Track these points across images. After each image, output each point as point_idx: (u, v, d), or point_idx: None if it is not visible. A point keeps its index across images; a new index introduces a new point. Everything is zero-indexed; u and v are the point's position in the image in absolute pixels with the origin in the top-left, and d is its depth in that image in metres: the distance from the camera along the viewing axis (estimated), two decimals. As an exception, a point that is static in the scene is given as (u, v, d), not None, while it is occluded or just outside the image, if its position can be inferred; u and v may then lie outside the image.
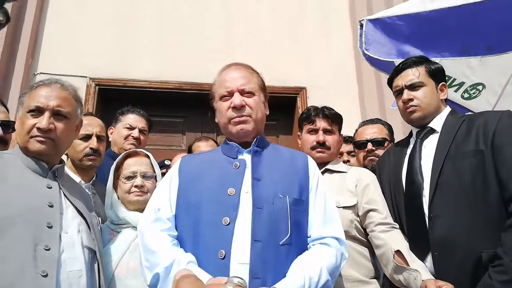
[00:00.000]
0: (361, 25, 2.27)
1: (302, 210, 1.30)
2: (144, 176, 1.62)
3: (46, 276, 1.12)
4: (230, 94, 1.38)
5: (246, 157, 1.37)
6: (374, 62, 2.37)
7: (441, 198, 1.48)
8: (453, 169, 1.49)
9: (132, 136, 2.33)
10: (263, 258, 1.17)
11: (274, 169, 1.35)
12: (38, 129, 1.29)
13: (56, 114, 1.34)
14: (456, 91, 2.79)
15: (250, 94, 1.39)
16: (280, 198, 1.27)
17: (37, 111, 1.31)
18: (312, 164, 1.42)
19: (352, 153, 2.57)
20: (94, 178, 1.95)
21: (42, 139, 1.30)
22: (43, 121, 1.30)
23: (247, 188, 1.28)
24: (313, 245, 1.29)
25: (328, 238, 1.28)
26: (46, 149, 1.31)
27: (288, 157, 1.42)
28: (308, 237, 1.30)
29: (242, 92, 1.38)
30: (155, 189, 1.44)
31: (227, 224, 1.21)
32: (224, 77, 1.43)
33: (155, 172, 1.67)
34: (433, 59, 2.45)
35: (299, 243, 1.27)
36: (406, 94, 1.67)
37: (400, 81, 1.71)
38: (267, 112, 1.48)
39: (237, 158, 1.37)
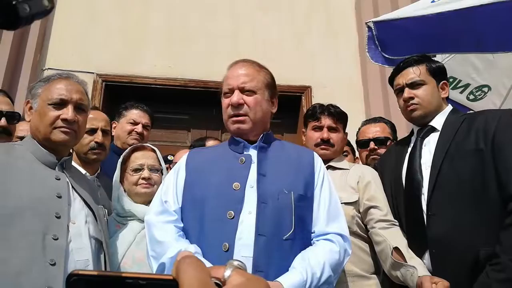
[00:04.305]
0: (369, 27, 2.27)
1: (306, 206, 1.32)
2: (151, 169, 1.65)
3: (54, 264, 1.15)
4: (231, 91, 1.40)
5: (252, 152, 1.39)
6: (386, 61, 2.33)
7: (439, 196, 1.49)
8: (452, 168, 1.50)
9: (135, 132, 2.34)
10: (266, 252, 1.20)
11: (280, 165, 1.37)
12: (64, 120, 1.33)
13: (78, 107, 1.38)
14: (461, 92, 2.80)
15: (251, 92, 1.39)
16: (285, 194, 1.28)
17: (60, 104, 1.35)
18: (318, 161, 1.44)
19: (345, 153, 2.51)
20: (98, 171, 1.98)
21: (67, 130, 1.34)
22: (69, 113, 1.34)
23: (252, 183, 1.30)
24: (317, 240, 1.31)
25: (332, 234, 1.30)
26: (69, 140, 1.36)
27: (294, 153, 1.44)
28: (312, 233, 1.32)
29: (242, 90, 1.38)
30: (163, 181, 1.47)
31: (232, 218, 1.23)
32: (228, 74, 1.44)
33: (161, 166, 1.70)
34: (447, 54, 2.44)
35: (302, 238, 1.29)
36: (407, 92, 1.68)
37: (401, 79, 1.72)
38: (274, 110, 1.48)
39: (243, 153, 1.39)
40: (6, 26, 0.45)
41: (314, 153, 1.48)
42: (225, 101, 1.42)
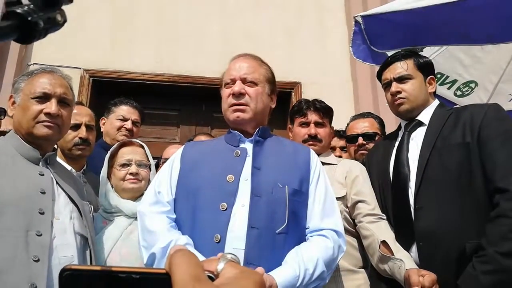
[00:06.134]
0: (356, 22, 2.26)
1: (301, 201, 1.32)
2: (139, 165, 1.64)
3: (37, 261, 1.13)
4: (233, 81, 1.42)
5: (248, 146, 1.39)
6: (369, 57, 2.33)
7: (426, 190, 1.50)
8: (439, 162, 1.51)
9: (125, 128, 2.32)
10: (258, 245, 1.20)
11: (275, 159, 1.37)
12: (47, 114, 1.31)
13: (61, 101, 1.36)
14: (449, 88, 2.82)
15: (252, 84, 1.41)
16: (279, 188, 1.29)
17: (43, 98, 1.33)
18: (314, 157, 1.44)
19: (345, 149, 2.57)
20: (84, 167, 1.95)
21: (50, 124, 1.32)
22: (52, 106, 1.32)
23: (246, 176, 1.30)
24: (311, 236, 1.31)
25: (327, 230, 1.30)
26: (52, 134, 1.33)
27: (290, 149, 1.44)
28: (307, 229, 1.32)
29: (244, 81, 1.41)
30: (158, 173, 1.47)
31: (224, 210, 1.23)
32: (230, 66, 1.47)
33: (149, 161, 1.69)
34: (436, 47, 2.45)
35: (296, 233, 1.29)
36: (394, 86, 1.69)
37: (389, 74, 1.73)
38: (273, 106, 1.50)
39: (238, 146, 1.39)
40: (21, 40, 0.46)
41: (311, 149, 1.49)
42: (226, 91, 1.43)
